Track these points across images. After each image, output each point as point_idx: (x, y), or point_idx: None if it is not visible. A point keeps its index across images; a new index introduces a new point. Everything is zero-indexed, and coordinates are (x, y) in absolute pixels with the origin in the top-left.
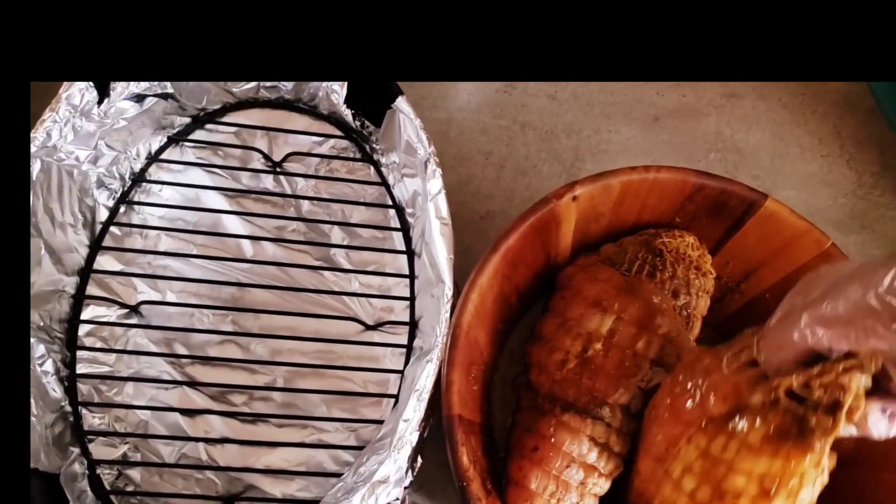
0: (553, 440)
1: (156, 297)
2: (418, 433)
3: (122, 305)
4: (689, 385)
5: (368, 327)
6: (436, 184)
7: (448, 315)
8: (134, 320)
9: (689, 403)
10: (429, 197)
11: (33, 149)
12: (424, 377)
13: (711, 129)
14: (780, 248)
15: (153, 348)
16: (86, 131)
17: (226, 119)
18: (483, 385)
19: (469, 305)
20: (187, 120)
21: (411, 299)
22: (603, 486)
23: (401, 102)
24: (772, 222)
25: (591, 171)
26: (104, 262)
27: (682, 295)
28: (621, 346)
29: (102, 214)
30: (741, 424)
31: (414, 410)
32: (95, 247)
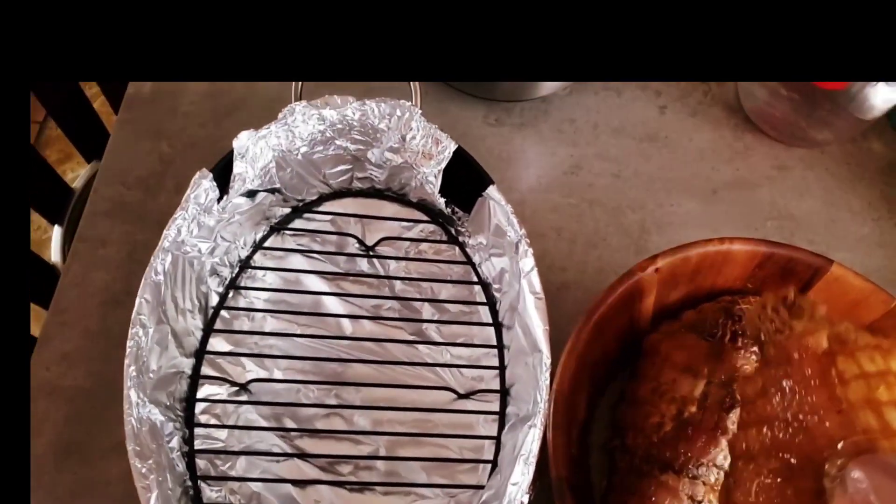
0: (654, 500)
1: (264, 374)
2: (528, 496)
3: (233, 384)
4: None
5: (461, 396)
6: (528, 262)
7: (548, 382)
8: (244, 397)
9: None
10: (522, 274)
11: (166, 244)
12: (529, 441)
13: (766, 198)
14: (848, 307)
15: (263, 423)
16: (207, 225)
17: (322, 208)
18: (580, 449)
19: (567, 372)
20: (287, 210)
21: (501, 368)
22: None
23: (492, 190)
24: (838, 285)
25: (657, 242)
26: (216, 343)
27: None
28: (714, 409)
29: (213, 299)
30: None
31: (522, 474)
32: (208, 330)
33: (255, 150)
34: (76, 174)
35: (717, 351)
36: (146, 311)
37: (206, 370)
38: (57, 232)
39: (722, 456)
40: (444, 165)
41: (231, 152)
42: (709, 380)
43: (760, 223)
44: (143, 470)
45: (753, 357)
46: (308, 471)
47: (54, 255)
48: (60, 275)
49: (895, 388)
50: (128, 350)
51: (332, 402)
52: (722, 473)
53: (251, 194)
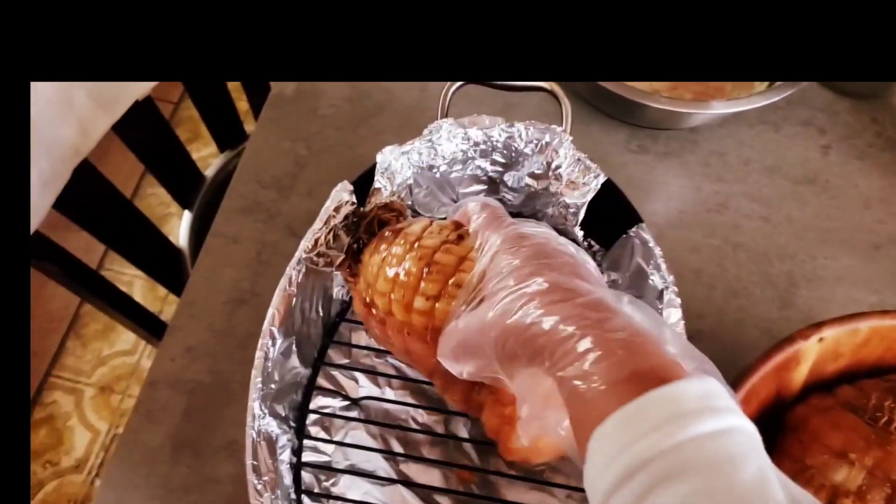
0: None
1: (376, 392)
2: None
3: (346, 398)
4: None
5: None
6: (675, 314)
7: None
8: (355, 413)
9: None
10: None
11: (303, 255)
12: None
13: None
14: None
15: (370, 442)
16: (340, 236)
17: None
18: None
19: None
20: None
21: None
22: None
23: (640, 229)
24: None
25: (806, 298)
26: (333, 355)
27: None
28: None
29: (335, 309)
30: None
31: None
32: (327, 340)
33: (395, 166)
34: (201, 154)
35: (883, 440)
36: (277, 323)
37: (321, 381)
38: (186, 217)
39: None
40: (589, 197)
41: (373, 166)
42: (870, 471)
43: None
44: (259, 486)
45: None
46: (410, 500)
47: (182, 239)
48: (189, 263)
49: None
50: (256, 361)
51: (441, 430)
52: None
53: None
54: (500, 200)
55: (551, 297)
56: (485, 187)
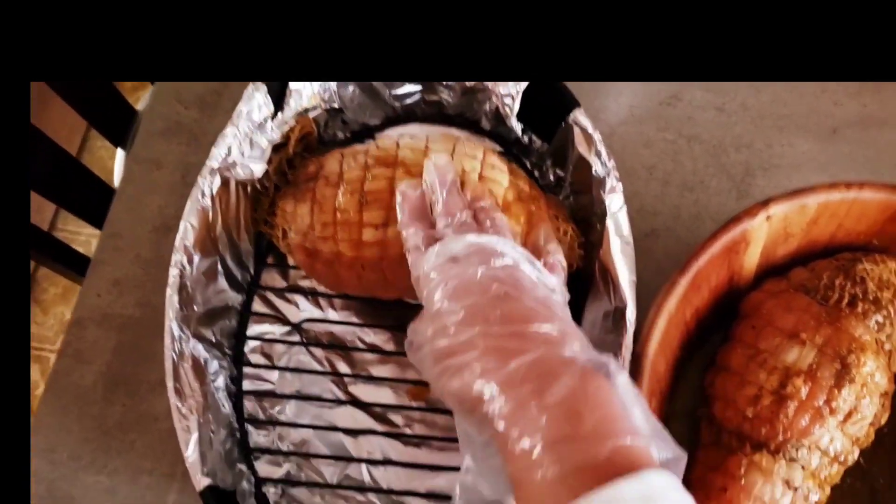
0: (743, 481)
1: (318, 314)
2: None
3: (286, 322)
4: None
5: None
6: (617, 200)
7: (630, 342)
8: (296, 338)
9: None
10: (608, 214)
11: (214, 164)
12: None
13: None
14: None
15: (315, 366)
16: (259, 146)
17: (385, 133)
18: (660, 418)
19: (655, 332)
20: (347, 135)
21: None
22: None
23: (577, 115)
24: None
25: (763, 186)
26: (269, 279)
27: (886, 327)
28: (823, 384)
29: None
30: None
31: None
32: (261, 264)
33: None
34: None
35: (833, 317)
36: (191, 238)
37: (257, 307)
38: (120, 155)
39: (827, 438)
40: (524, 86)
41: None
42: (820, 349)
43: (889, 169)
44: (184, 410)
45: (874, 325)
46: (362, 419)
47: (117, 179)
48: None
49: None
50: (171, 279)
51: (391, 348)
52: (826, 458)
53: (306, 113)
54: (438, 103)
55: (485, 365)
56: (419, 87)
